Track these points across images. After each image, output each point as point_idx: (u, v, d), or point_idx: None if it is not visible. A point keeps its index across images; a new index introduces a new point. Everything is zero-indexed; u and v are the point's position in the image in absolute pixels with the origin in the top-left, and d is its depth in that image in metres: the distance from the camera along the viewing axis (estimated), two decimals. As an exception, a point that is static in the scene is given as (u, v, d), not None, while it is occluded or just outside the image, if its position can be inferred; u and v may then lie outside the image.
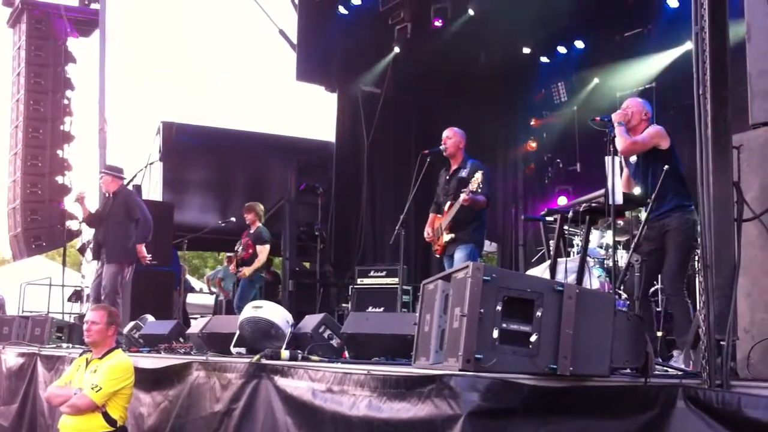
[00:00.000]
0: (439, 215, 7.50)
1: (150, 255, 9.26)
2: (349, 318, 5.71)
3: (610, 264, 6.83)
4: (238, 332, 5.72)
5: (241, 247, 10.38)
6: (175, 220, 12.51)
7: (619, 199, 4.99)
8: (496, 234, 13.76)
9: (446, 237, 7.25)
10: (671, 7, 10.94)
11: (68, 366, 6.23)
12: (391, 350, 4.87)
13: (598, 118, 5.75)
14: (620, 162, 5.69)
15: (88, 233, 11.77)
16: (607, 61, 12.07)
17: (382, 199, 14.19)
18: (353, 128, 14.35)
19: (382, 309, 9.46)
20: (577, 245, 8.15)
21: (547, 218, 6.12)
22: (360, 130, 14.21)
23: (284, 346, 5.25)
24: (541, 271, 7.18)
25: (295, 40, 14.36)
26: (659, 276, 6.15)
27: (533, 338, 3.25)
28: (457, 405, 3.10)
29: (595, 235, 7.64)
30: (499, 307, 3.24)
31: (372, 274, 10.53)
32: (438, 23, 13.05)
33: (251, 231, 10.46)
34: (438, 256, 7.57)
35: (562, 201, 11.96)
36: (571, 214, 5.37)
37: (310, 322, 5.67)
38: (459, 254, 7.15)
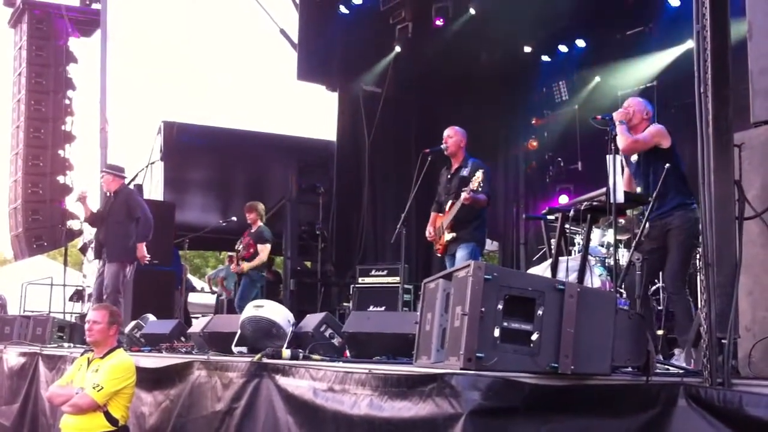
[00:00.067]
0: (440, 214, 7.50)
1: (149, 255, 9.25)
2: (351, 317, 5.72)
3: (612, 262, 6.82)
4: (239, 331, 5.72)
5: (242, 246, 10.38)
6: (177, 220, 12.53)
7: (621, 198, 4.99)
8: (498, 233, 13.75)
9: (447, 236, 7.25)
10: (672, 5, 10.94)
11: (70, 365, 6.24)
12: (393, 349, 4.87)
13: (599, 117, 5.75)
14: (621, 161, 5.69)
15: (89, 233, 11.79)
16: (608, 59, 12.08)
17: (383, 199, 14.19)
18: (354, 127, 14.35)
19: (383, 308, 9.45)
20: (579, 244, 8.14)
21: (549, 217, 6.12)
22: (361, 129, 14.21)
23: (285, 346, 5.25)
24: (542, 269, 7.18)
25: (296, 40, 14.37)
26: (660, 274, 6.15)
27: (534, 337, 3.25)
28: (458, 404, 3.10)
29: (596, 234, 7.63)
30: (500, 306, 3.24)
31: (373, 273, 10.52)
32: (439, 22, 13.06)
33: (252, 230, 10.46)
34: (439, 255, 7.58)
35: (564, 200, 11.97)
36: (572, 212, 5.36)
37: (312, 321, 5.67)
38: (461, 253, 7.16)
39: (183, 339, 6.97)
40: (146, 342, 7.20)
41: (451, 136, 7.47)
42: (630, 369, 3.50)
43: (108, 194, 9.37)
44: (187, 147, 14.39)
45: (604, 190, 5.03)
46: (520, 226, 13.72)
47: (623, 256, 7.15)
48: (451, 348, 3.38)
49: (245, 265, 10.20)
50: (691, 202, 5.48)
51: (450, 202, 7.31)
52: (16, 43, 14.05)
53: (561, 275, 5.53)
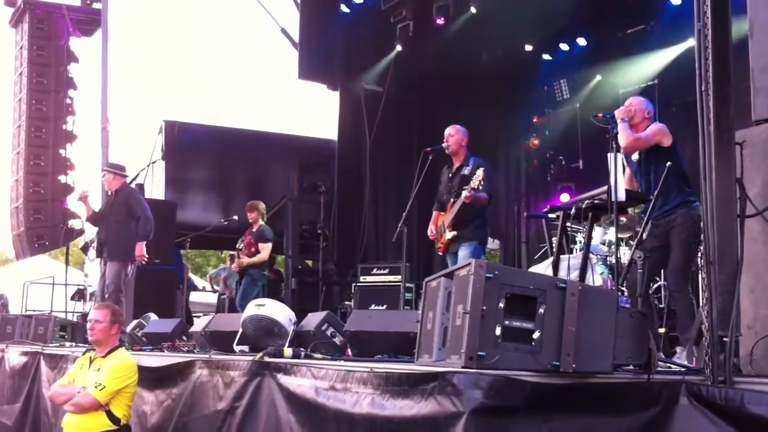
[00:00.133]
0: (442, 213, 7.51)
1: (151, 254, 9.24)
2: (352, 316, 5.72)
3: (613, 261, 6.82)
4: (240, 330, 5.72)
5: (243, 245, 10.39)
6: (178, 219, 12.53)
7: (622, 196, 4.99)
8: (499, 231, 13.75)
9: (449, 234, 7.25)
10: (673, 4, 10.93)
11: (71, 365, 6.24)
12: (394, 348, 4.87)
13: (600, 115, 5.75)
14: (622, 160, 5.69)
15: (90, 232, 11.79)
16: (609, 58, 12.07)
17: (385, 197, 14.20)
18: (355, 126, 14.36)
19: (384, 306, 9.46)
20: (580, 242, 8.14)
21: (550, 215, 6.12)
22: (362, 128, 14.22)
23: (287, 344, 5.25)
24: (543, 268, 7.19)
25: (297, 39, 14.38)
26: (662, 272, 6.15)
27: (536, 335, 3.25)
28: (460, 402, 3.10)
29: (597, 232, 7.63)
30: (501, 304, 3.24)
31: (374, 271, 10.53)
32: (440, 21, 13.05)
33: (254, 229, 10.47)
34: (441, 254, 7.58)
35: (565, 198, 11.96)
36: (573, 210, 5.36)
37: (313, 319, 5.68)
38: (463, 252, 7.17)
39: (185, 338, 6.97)
40: (148, 341, 7.21)
41: (453, 135, 7.47)
42: (631, 367, 3.50)
43: (109, 193, 9.37)
44: (189, 146, 14.40)
45: (605, 188, 5.03)
46: (522, 225, 13.73)
47: (624, 254, 7.15)
48: (453, 346, 3.38)
49: (245, 260, 10.21)
50: (693, 200, 5.48)
51: (451, 201, 7.32)
52: (18, 42, 14.05)
53: (562, 273, 5.52)
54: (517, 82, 13.68)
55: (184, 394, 5.56)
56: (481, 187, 6.97)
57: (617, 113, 5.68)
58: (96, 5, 13.75)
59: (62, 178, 13.58)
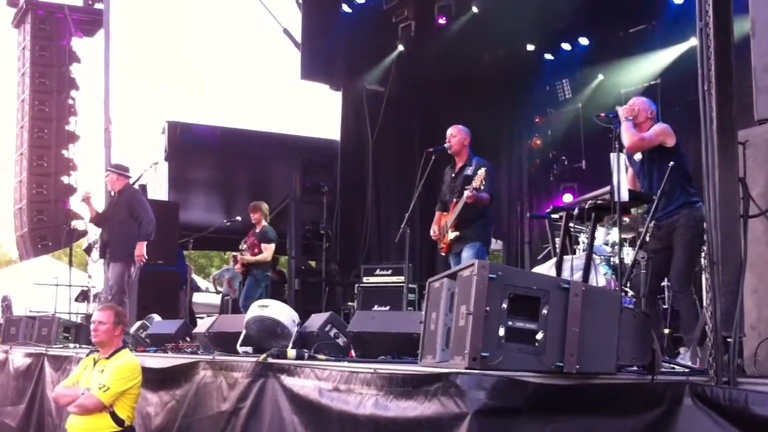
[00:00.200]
0: (445, 213, 7.51)
1: (154, 255, 9.23)
2: (355, 316, 5.72)
3: (616, 261, 6.82)
4: (244, 331, 5.73)
5: (246, 246, 10.39)
6: (181, 220, 12.55)
7: (625, 196, 4.98)
8: (502, 232, 13.74)
9: (451, 235, 7.25)
10: (675, 3, 10.91)
11: (75, 366, 6.25)
12: (398, 349, 4.87)
13: (603, 115, 5.75)
14: (625, 160, 5.69)
15: (94, 233, 11.79)
16: (611, 57, 12.06)
17: (387, 198, 14.20)
18: (358, 126, 14.37)
19: (388, 307, 9.46)
20: (583, 242, 8.13)
21: (553, 215, 6.11)
22: (364, 128, 14.22)
23: (290, 345, 5.26)
24: (546, 268, 7.18)
25: (299, 39, 14.39)
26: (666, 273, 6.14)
27: (539, 336, 3.25)
28: (463, 403, 3.10)
29: (600, 233, 7.62)
30: (504, 305, 3.24)
31: (378, 272, 10.54)
32: (442, 21, 13.04)
33: (257, 230, 10.47)
34: (444, 254, 7.58)
35: (568, 198, 11.94)
36: (576, 211, 5.35)
37: (316, 320, 5.68)
38: (467, 252, 7.16)
39: (188, 339, 6.98)
40: (151, 342, 7.21)
41: (455, 135, 7.47)
42: (635, 368, 3.50)
43: (112, 194, 9.38)
44: (192, 147, 14.41)
45: (608, 188, 5.03)
46: (525, 225, 13.72)
47: (628, 254, 7.14)
48: (456, 347, 3.39)
49: (247, 257, 10.21)
50: (696, 201, 5.47)
51: (454, 201, 7.32)
52: (20, 43, 14.07)
53: (566, 274, 5.53)
54: (519, 81, 13.67)
55: (187, 396, 5.56)
56: (483, 187, 6.96)
57: (621, 112, 5.67)
58: (98, 5, 13.75)
59: (65, 179, 13.60)
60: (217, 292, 14.76)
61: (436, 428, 3.21)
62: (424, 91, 14.11)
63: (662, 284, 6.92)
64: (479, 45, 13.29)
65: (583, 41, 12.58)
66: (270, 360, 4.85)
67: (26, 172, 13.38)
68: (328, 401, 4.05)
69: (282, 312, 5.68)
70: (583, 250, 7.30)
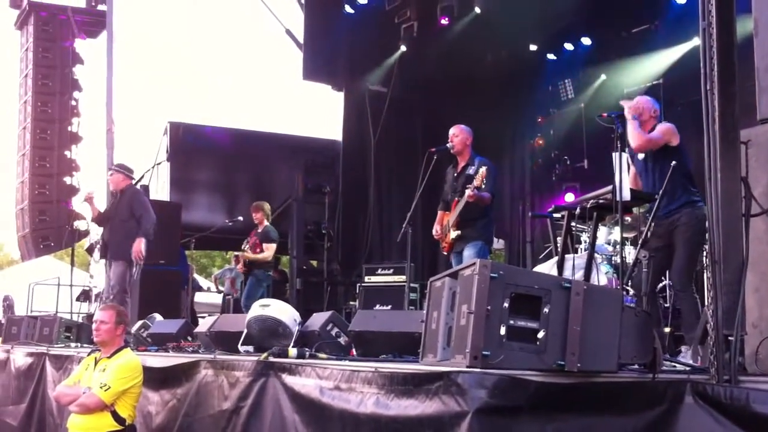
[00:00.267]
0: (447, 212, 7.51)
1: (156, 255, 9.22)
2: (357, 316, 5.72)
3: (618, 260, 6.81)
4: (245, 331, 5.73)
5: (248, 246, 10.40)
6: (183, 220, 12.56)
7: (627, 196, 4.98)
8: (504, 231, 13.74)
9: (453, 234, 7.25)
10: (678, 3, 10.91)
11: (77, 365, 6.25)
12: (399, 348, 4.87)
13: (605, 115, 5.73)
14: (627, 159, 5.68)
15: (96, 233, 11.80)
16: (614, 57, 12.07)
17: (389, 198, 14.20)
18: (360, 127, 14.36)
19: (389, 307, 9.46)
20: (585, 242, 8.13)
21: (555, 215, 6.12)
22: (367, 128, 14.22)
23: (292, 344, 5.26)
24: (548, 267, 7.17)
25: (301, 40, 14.40)
26: (667, 272, 6.14)
27: (541, 335, 3.24)
28: (464, 402, 3.10)
29: (602, 232, 7.62)
30: (506, 304, 3.24)
31: (379, 272, 10.53)
32: (444, 21, 13.04)
33: (259, 230, 10.48)
34: (445, 253, 7.57)
35: (570, 198, 11.93)
36: (578, 210, 5.36)
37: (318, 320, 5.68)
38: (468, 252, 7.16)
39: (190, 338, 6.99)
40: (153, 341, 7.22)
41: (457, 135, 7.47)
42: (636, 366, 3.50)
43: (115, 194, 9.39)
44: (194, 147, 14.41)
45: (610, 187, 5.03)
46: (526, 225, 13.72)
47: (630, 253, 7.13)
48: (458, 346, 3.38)
49: (249, 254, 10.21)
50: (698, 200, 5.47)
51: (456, 200, 7.32)
52: (23, 44, 14.09)
53: (567, 273, 5.52)
54: (522, 82, 13.67)
55: (189, 395, 5.56)
56: (484, 186, 6.96)
57: (627, 109, 5.66)
58: (101, 7, 13.76)
59: (67, 180, 13.62)
60: (219, 292, 14.77)
61: (438, 427, 3.21)
62: (426, 91, 14.11)
63: (663, 283, 6.92)
64: (482, 45, 13.29)
65: (586, 41, 12.58)
66: (271, 359, 4.85)
67: (28, 173, 13.40)
68: (329, 400, 4.05)
69: (283, 311, 5.68)
70: (585, 250, 7.31)
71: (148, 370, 5.74)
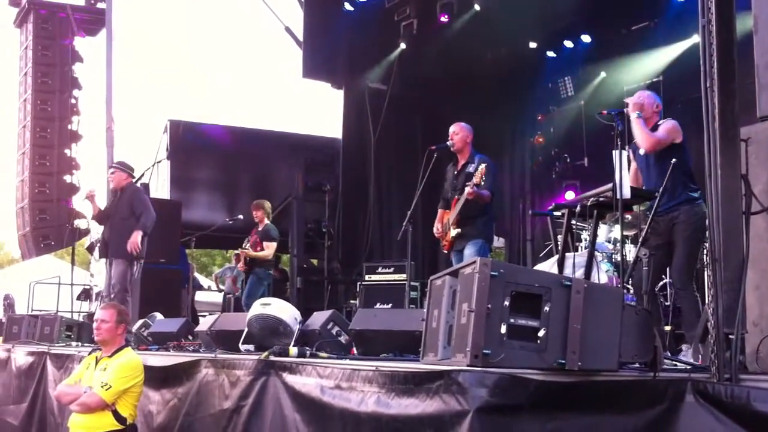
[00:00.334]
0: (447, 210, 7.50)
1: (156, 254, 9.21)
2: (357, 314, 5.72)
3: (618, 258, 6.81)
4: (246, 329, 5.73)
5: (249, 245, 10.40)
6: (183, 218, 12.55)
7: (627, 194, 4.98)
8: (504, 229, 13.74)
9: (453, 232, 7.24)
10: (678, 0, 10.90)
11: (77, 364, 6.25)
12: (400, 346, 4.87)
13: (605, 112, 5.72)
14: (628, 156, 5.68)
15: (96, 232, 11.81)
16: (613, 55, 12.06)
17: (389, 196, 14.20)
18: (360, 125, 14.36)
19: (390, 305, 9.46)
20: (585, 240, 8.14)
21: (555, 213, 6.12)
22: (366, 126, 14.22)
23: (292, 343, 5.26)
24: (548, 266, 7.19)
25: (301, 38, 14.39)
26: (667, 270, 6.14)
27: (541, 333, 3.24)
28: (465, 400, 3.10)
29: (602, 230, 7.63)
30: (506, 303, 3.24)
31: (380, 270, 10.53)
32: (444, 19, 13.04)
33: (259, 228, 10.48)
34: (446, 251, 7.57)
35: (570, 196, 11.94)
36: (578, 208, 5.36)
37: (319, 318, 5.68)
38: (469, 250, 7.15)
39: (190, 337, 6.98)
40: (154, 340, 7.22)
41: (457, 133, 7.46)
42: (637, 365, 3.49)
43: (115, 192, 9.38)
44: (194, 146, 14.40)
45: (610, 185, 5.03)
46: (527, 223, 13.72)
47: (630, 251, 7.14)
48: (458, 345, 3.38)
49: (249, 251, 10.22)
50: (697, 198, 5.47)
51: (456, 198, 7.31)
52: (22, 42, 14.09)
53: (568, 271, 5.52)
54: (522, 79, 13.65)
55: (189, 394, 5.57)
56: (483, 183, 6.95)
57: (630, 106, 5.65)
58: (100, 5, 13.78)
59: (67, 178, 13.63)
60: (219, 291, 14.77)
61: (438, 426, 3.20)
62: (426, 89, 14.10)
63: (663, 281, 6.92)
64: (481, 43, 13.28)
65: (586, 39, 12.57)
66: (272, 358, 4.85)
67: (28, 172, 13.41)
68: (330, 399, 4.05)
69: (284, 310, 5.67)
70: (585, 248, 7.31)
71: (149, 369, 5.73)
